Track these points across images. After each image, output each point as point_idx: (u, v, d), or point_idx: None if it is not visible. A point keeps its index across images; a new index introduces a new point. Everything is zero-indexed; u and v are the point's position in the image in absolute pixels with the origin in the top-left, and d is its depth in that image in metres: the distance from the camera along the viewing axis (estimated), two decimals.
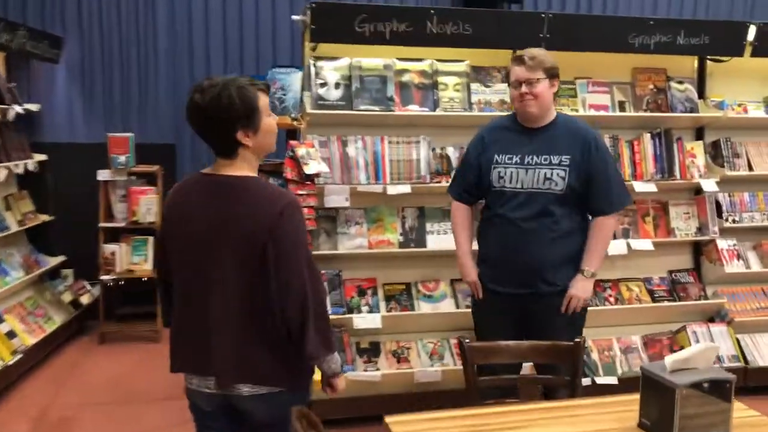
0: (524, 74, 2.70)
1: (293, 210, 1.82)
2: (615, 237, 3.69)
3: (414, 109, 3.70)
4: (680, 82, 4.14)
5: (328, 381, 2.02)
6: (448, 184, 3.73)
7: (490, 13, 3.55)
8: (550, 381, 2.56)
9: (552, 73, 2.74)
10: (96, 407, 3.89)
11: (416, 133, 3.74)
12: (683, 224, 4.12)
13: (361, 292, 3.77)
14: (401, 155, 3.70)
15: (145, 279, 4.86)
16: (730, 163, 4.11)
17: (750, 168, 4.15)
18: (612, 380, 3.76)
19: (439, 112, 3.72)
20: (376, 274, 3.84)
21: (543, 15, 3.59)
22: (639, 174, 3.93)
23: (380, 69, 3.69)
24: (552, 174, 2.74)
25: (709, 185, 3.98)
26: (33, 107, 4.96)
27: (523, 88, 2.70)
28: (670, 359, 1.82)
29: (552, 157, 2.76)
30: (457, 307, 3.81)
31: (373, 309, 3.71)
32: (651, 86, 4.10)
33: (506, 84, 3.83)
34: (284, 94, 3.62)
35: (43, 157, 5.03)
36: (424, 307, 3.79)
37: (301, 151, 3.36)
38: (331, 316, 3.52)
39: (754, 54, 3.90)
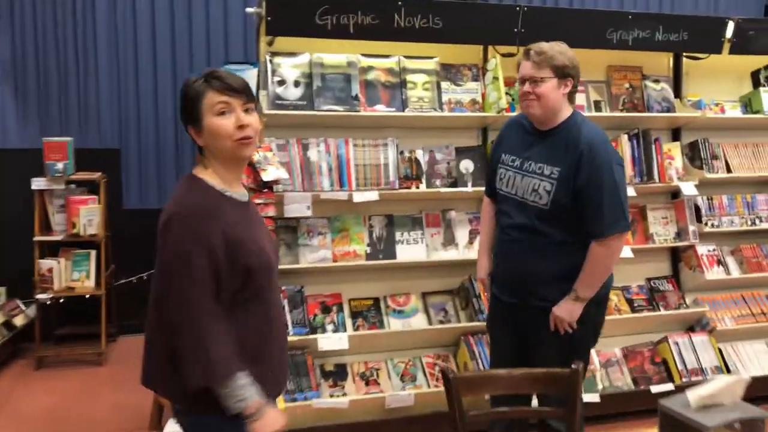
0: (528, 71, 2.42)
1: (172, 226, 1.64)
2: None
3: (381, 110, 3.41)
4: (656, 81, 3.96)
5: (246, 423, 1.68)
6: (417, 190, 3.50)
7: (462, 6, 3.29)
8: (546, 414, 2.29)
9: (563, 73, 2.41)
10: None
11: (383, 135, 3.45)
12: (662, 229, 3.94)
13: (325, 309, 3.47)
14: (368, 159, 3.41)
15: (88, 297, 4.45)
16: (709, 165, 3.95)
17: (728, 170, 3.99)
18: (594, 398, 3.53)
19: (408, 112, 3.44)
20: (341, 289, 3.54)
21: (518, 8, 3.35)
22: None
23: (344, 66, 3.40)
24: (539, 186, 2.48)
25: (688, 188, 3.80)
26: None
27: (526, 86, 2.42)
28: (693, 395, 1.57)
29: (545, 167, 2.48)
30: (430, 322, 3.54)
31: (339, 327, 3.41)
32: (627, 85, 3.92)
33: (477, 82, 3.65)
34: None
35: None
36: (394, 324, 3.51)
37: (257, 155, 3.04)
38: (294, 337, 3.22)
39: (732, 51, 3.75)
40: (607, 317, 3.67)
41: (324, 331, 3.35)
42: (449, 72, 3.62)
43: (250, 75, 3.29)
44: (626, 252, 3.70)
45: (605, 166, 2.40)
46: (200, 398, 1.65)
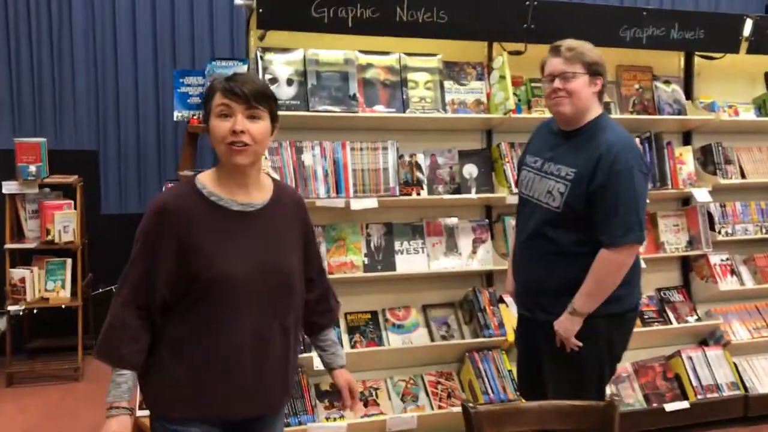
0: (559, 66, 2.29)
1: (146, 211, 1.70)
2: None
3: (381, 110, 3.17)
4: (667, 82, 3.77)
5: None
6: (418, 197, 3.27)
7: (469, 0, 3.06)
8: None
9: (594, 70, 2.30)
10: None
11: (383, 138, 3.22)
12: (673, 238, 3.75)
13: None
14: (366, 164, 3.17)
15: (63, 308, 4.17)
16: (722, 170, 3.75)
17: (743, 175, 3.80)
18: None
19: (409, 113, 3.20)
20: None
21: (527, 2, 3.12)
22: None
23: (340, 63, 3.16)
24: (554, 188, 2.33)
25: (701, 195, 3.61)
26: None
27: (557, 83, 2.29)
28: None
29: (563, 168, 2.33)
30: (432, 338, 3.31)
31: None
32: (637, 86, 3.72)
33: (482, 82, 3.42)
34: None
35: None
36: (393, 340, 3.27)
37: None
38: None
39: (750, 51, 3.56)
40: None
41: None
42: (452, 70, 3.40)
43: (240, 72, 3.04)
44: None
45: (625, 171, 2.23)
46: (149, 403, 1.72)
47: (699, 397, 3.49)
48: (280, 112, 2.98)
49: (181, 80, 3.12)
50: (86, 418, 3.71)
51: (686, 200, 3.84)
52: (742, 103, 3.90)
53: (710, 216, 3.76)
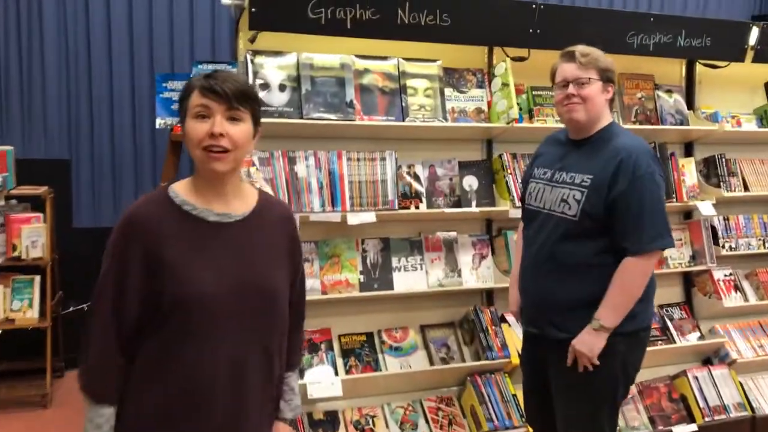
0: (574, 72, 2.23)
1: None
2: None
3: (380, 119, 2.98)
4: (669, 91, 3.65)
5: None
6: (417, 210, 3.09)
7: (473, 2, 2.89)
8: None
9: (607, 76, 2.26)
10: None
11: (380, 148, 3.03)
12: (676, 252, 3.62)
13: (313, 348, 3.01)
14: (363, 175, 2.98)
15: (30, 329, 3.88)
16: (726, 183, 3.64)
17: (745, 188, 3.70)
18: None
19: (408, 122, 3.02)
20: (330, 323, 3.09)
21: (534, 5, 2.97)
22: None
23: (336, 68, 2.96)
24: (568, 195, 2.25)
25: (706, 208, 3.49)
26: None
27: (571, 89, 2.23)
28: None
29: (577, 175, 2.26)
30: (431, 361, 3.12)
31: (328, 366, 2.96)
32: (639, 95, 3.59)
33: (482, 89, 3.26)
34: None
35: None
36: (391, 364, 3.07)
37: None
38: None
39: (756, 59, 3.46)
40: None
41: (313, 374, 2.89)
42: (452, 77, 3.22)
43: None
44: None
45: (648, 176, 2.18)
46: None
47: (707, 419, 3.36)
48: (272, 120, 2.83)
49: (164, 85, 2.89)
50: None
51: (688, 213, 3.72)
52: (744, 114, 3.80)
53: (714, 230, 3.65)
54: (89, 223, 4.43)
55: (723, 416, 3.39)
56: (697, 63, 3.64)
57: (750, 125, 3.75)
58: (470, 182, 3.26)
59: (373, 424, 2.99)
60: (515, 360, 3.06)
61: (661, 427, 3.34)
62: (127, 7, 4.14)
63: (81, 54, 4.19)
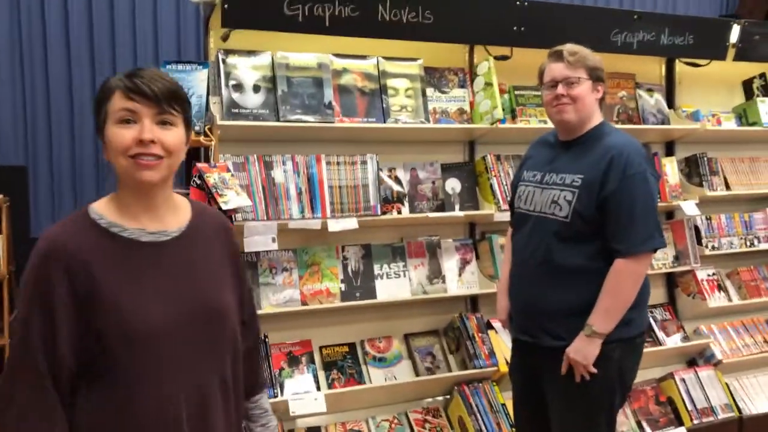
0: (563, 72, 2.17)
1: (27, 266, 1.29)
2: None
3: (360, 121, 2.85)
4: (650, 90, 3.60)
5: None
6: (399, 216, 2.97)
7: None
8: None
9: (596, 75, 2.21)
10: None
11: (361, 151, 2.89)
12: (660, 253, 3.55)
13: (293, 361, 2.87)
14: (344, 179, 2.84)
15: None
16: (708, 182, 3.61)
17: (727, 187, 3.67)
18: None
19: (390, 123, 2.89)
20: (310, 335, 2.95)
21: (518, 2, 2.87)
22: None
23: (313, 68, 2.81)
24: (559, 196, 2.17)
25: (689, 208, 3.44)
26: None
27: (560, 89, 2.17)
28: None
29: (567, 176, 2.19)
30: (416, 371, 3.00)
31: (310, 380, 2.82)
32: (621, 94, 3.53)
33: (464, 89, 3.16)
34: None
35: None
36: (375, 376, 2.95)
37: (212, 177, 2.42)
38: None
39: (737, 57, 3.42)
40: None
41: (295, 390, 2.74)
42: (432, 77, 3.11)
43: (199, 77, 2.66)
44: None
45: (639, 175, 2.11)
46: None
47: (695, 421, 3.31)
48: (246, 123, 2.67)
49: None
50: None
51: (670, 213, 3.68)
52: (723, 112, 3.77)
53: (697, 230, 3.61)
54: None
55: (711, 418, 3.34)
56: (677, 62, 3.59)
57: (729, 124, 3.72)
58: (453, 185, 3.15)
59: None
60: (503, 368, 2.96)
61: (649, 431, 3.28)
62: (86, 6, 3.91)
63: (36, 54, 3.94)
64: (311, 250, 2.92)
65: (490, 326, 3.12)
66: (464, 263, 3.15)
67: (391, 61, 2.98)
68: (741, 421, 3.40)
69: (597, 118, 2.24)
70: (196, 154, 2.84)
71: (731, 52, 3.43)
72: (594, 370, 2.10)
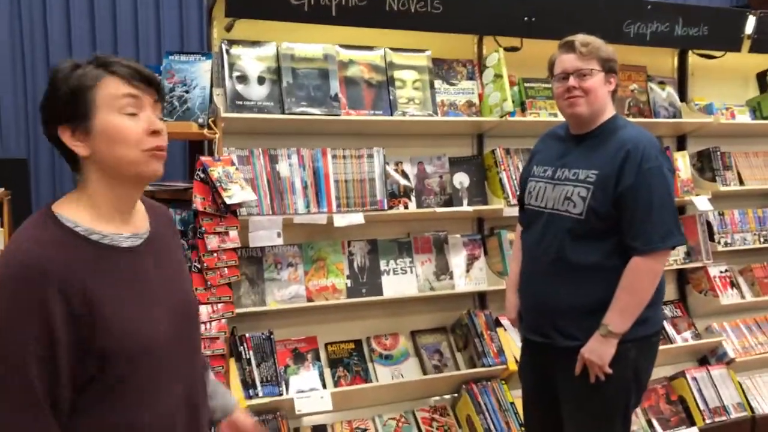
0: (574, 63, 2.09)
1: None
2: None
3: (367, 113, 2.78)
4: (661, 83, 3.52)
5: None
6: (406, 211, 2.91)
7: None
8: None
9: (609, 67, 2.12)
10: None
11: (367, 144, 2.83)
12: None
13: (299, 357, 2.81)
14: (350, 173, 2.78)
15: None
16: (722, 177, 3.53)
17: (741, 182, 3.59)
18: None
19: (398, 116, 2.83)
20: (316, 331, 2.90)
21: None
22: None
23: (319, 59, 2.75)
24: (573, 192, 2.10)
25: (702, 203, 3.37)
26: None
27: (571, 81, 2.09)
28: None
29: (581, 171, 2.12)
30: (423, 369, 2.95)
31: (315, 378, 2.77)
32: (632, 87, 3.45)
33: (473, 81, 3.09)
34: (186, 91, 2.57)
35: None
36: (381, 374, 2.89)
37: (216, 171, 2.36)
38: (265, 399, 2.56)
39: (752, 49, 3.34)
40: None
41: (300, 387, 2.69)
42: (440, 68, 3.04)
43: (202, 68, 2.60)
44: None
45: (656, 170, 2.04)
46: None
47: (707, 421, 3.25)
48: (251, 115, 2.61)
49: None
50: None
51: (681, 209, 3.61)
52: (737, 106, 3.69)
53: (709, 225, 3.54)
54: None
55: (723, 417, 3.28)
56: (690, 54, 3.52)
57: (743, 117, 3.65)
58: (461, 179, 3.08)
59: None
60: (512, 366, 2.91)
61: (660, 431, 3.22)
62: None
63: (38, 45, 3.89)
64: (317, 245, 2.86)
65: (498, 323, 3.06)
66: (472, 259, 3.09)
67: (399, 53, 2.91)
68: (754, 421, 3.34)
69: (609, 111, 2.17)
70: (199, 147, 2.79)
71: (746, 44, 3.36)
72: (609, 371, 2.04)
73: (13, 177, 3.90)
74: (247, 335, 2.68)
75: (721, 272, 3.58)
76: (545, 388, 2.23)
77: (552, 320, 2.15)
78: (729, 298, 3.52)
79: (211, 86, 2.61)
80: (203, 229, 2.33)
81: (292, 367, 2.77)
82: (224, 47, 2.63)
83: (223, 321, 2.41)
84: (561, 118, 2.31)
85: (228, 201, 2.29)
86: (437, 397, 3.03)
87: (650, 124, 3.36)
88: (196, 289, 2.35)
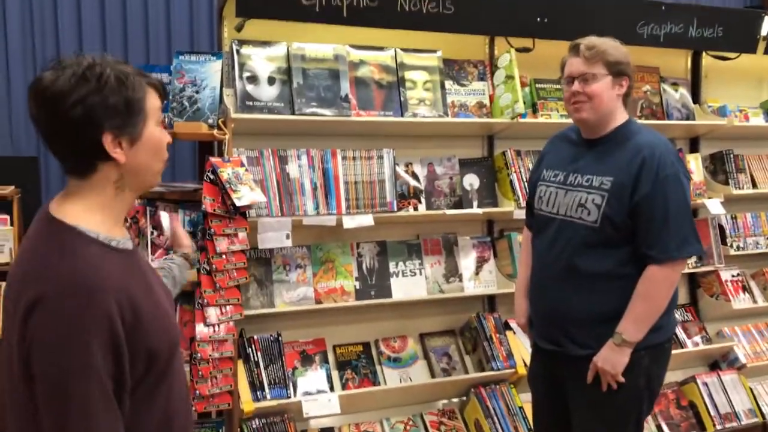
0: (579, 67, 2.05)
1: (53, 309, 1.07)
2: None
3: (377, 114, 2.77)
4: (674, 84, 3.49)
5: None
6: (415, 212, 2.89)
7: None
8: None
9: (618, 70, 2.05)
10: None
11: (377, 145, 2.81)
12: None
13: (306, 360, 2.80)
14: (359, 175, 2.76)
15: None
16: (735, 180, 3.50)
17: (754, 185, 3.56)
18: None
19: (408, 117, 2.81)
20: (324, 333, 2.89)
21: None
22: None
23: (330, 59, 2.73)
24: (587, 200, 2.05)
25: (714, 206, 3.34)
26: None
27: (575, 85, 2.04)
28: None
29: (594, 177, 2.07)
30: (432, 371, 2.93)
31: (322, 379, 2.76)
32: (645, 88, 3.42)
33: (483, 82, 3.07)
34: (196, 92, 2.56)
35: None
36: (390, 376, 2.88)
37: (226, 172, 2.34)
38: (272, 402, 2.55)
39: (767, 51, 3.30)
40: None
41: (307, 389, 2.68)
42: (451, 69, 3.02)
43: (213, 68, 2.58)
44: None
45: (672, 177, 1.99)
46: None
47: (718, 427, 3.22)
48: (261, 116, 2.59)
49: None
50: None
51: (693, 212, 3.57)
52: (751, 108, 3.65)
53: (722, 229, 3.50)
54: None
55: (734, 423, 3.26)
56: (703, 55, 3.48)
57: (757, 119, 3.60)
58: (471, 181, 3.06)
59: None
60: (521, 370, 2.89)
61: None
62: None
63: (48, 43, 3.88)
64: (325, 247, 2.85)
65: (507, 327, 3.04)
66: (482, 261, 3.07)
67: (409, 53, 2.89)
68: (765, 427, 3.32)
69: (621, 116, 2.12)
70: (209, 148, 2.78)
71: (762, 46, 3.32)
72: (622, 380, 2.01)
73: (23, 175, 3.90)
74: (255, 337, 2.67)
75: (733, 276, 3.54)
76: (556, 395, 2.20)
77: (564, 328, 2.11)
78: (741, 302, 3.48)
79: (221, 86, 2.59)
80: (212, 230, 2.32)
81: (299, 369, 2.76)
82: (234, 47, 2.62)
83: (232, 323, 2.39)
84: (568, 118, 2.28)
85: (237, 203, 2.28)
86: (445, 401, 3.01)
87: (663, 126, 3.33)
88: (205, 291, 2.34)
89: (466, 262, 3.05)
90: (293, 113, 2.63)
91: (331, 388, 2.73)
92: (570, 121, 2.56)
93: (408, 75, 2.87)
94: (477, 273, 3.06)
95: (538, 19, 2.78)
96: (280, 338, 2.71)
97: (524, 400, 2.83)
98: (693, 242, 2.02)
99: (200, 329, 2.33)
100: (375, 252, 2.93)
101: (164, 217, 2.46)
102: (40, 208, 1.29)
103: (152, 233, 2.51)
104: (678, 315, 3.48)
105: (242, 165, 2.44)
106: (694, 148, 3.59)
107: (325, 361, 2.82)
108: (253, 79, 2.63)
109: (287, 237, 2.58)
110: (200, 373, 2.34)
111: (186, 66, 2.56)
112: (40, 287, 1.08)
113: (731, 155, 3.52)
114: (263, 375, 2.61)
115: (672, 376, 3.39)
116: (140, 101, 1.19)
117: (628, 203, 1.99)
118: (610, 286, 2.04)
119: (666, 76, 3.48)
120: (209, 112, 2.53)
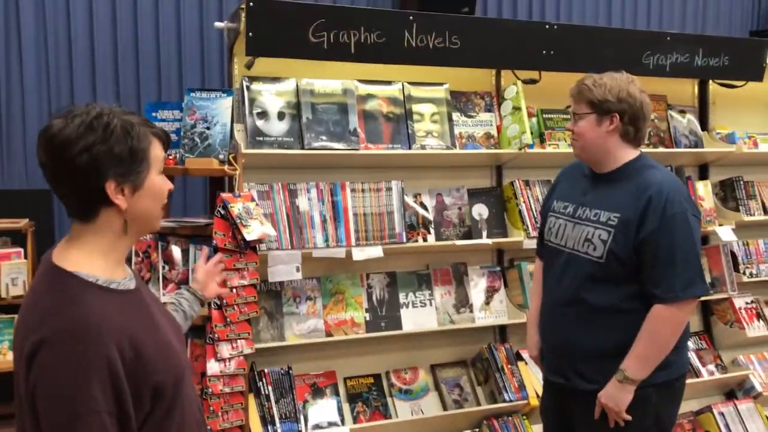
0: (572, 106, 2.12)
1: (53, 352, 1.12)
2: None
3: (385, 147, 2.79)
4: (682, 112, 3.50)
5: None
6: (425, 243, 2.90)
7: (483, 23, 2.73)
8: None
9: (603, 108, 2.03)
10: None
11: (386, 177, 2.84)
12: None
13: (317, 392, 2.80)
14: (368, 207, 2.78)
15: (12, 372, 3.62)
16: (745, 206, 3.49)
17: (765, 211, 3.54)
18: None
19: (416, 149, 2.83)
20: (335, 366, 2.88)
21: (547, 26, 2.81)
22: None
23: (338, 94, 2.77)
24: (593, 234, 2.05)
25: (726, 233, 3.33)
26: None
27: (568, 124, 2.16)
28: None
29: (602, 213, 2.06)
30: (443, 404, 2.92)
31: (333, 412, 2.75)
32: (652, 116, 3.42)
33: (491, 113, 3.10)
34: (207, 128, 2.60)
35: None
36: (401, 409, 2.87)
37: (236, 207, 2.37)
38: None
39: None
40: None
41: (318, 424, 2.67)
42: (458, 101, 3.05)
43: (223, 105, 2.63)
44: None
45: (680, 216, 1.97)
46: None
47: None
48: (270, 151, 2.63)
49: (153, 114, 2.69)
50: None
51: (705, 239, 3.56)
52: (760, 134, 3.65)
53: (734, 256, 3.49)
54: None
55: None
56: (711, 82, 3.50)
57: (766, 146, 3.60)
58: (480, 211, 3.08)
59: None
60: (534, 401, 2.87)
61: None
62: (110, 32, 3.91)
63: (63, 80, 3.96)
64: (335, 279, 2.86)
65: (519, 357, 3.02)
66: (492, 291, 3.07)
67: (417, 86, 2.93)
68: None
69: (626, 152, 2.08)
70: (219, 183, 2.81)
71: None
72: (628, 417, 1.99)
73: (36, 208, 3.96)
74: (266, 370, 2.68)
75: (747, 303, 3.51)
76: (566, 428, 2.18)
77: (571, 362, 2.10)
78: (755, 330, 3.45)
79: (232, 122, 2.63)
80: (223, 265, 2.34)
81: (310, 402, 2.76)
82: (245, 83, 2.66)
83: (242, 357, 2.40)
84: None
85: (248, 237, 2.30)
86: None
87: (671, 154, 3.35)
88: (216, 325, 2.35)
89: (477, 292, 3.05)
90: (303, 147, 2.66)
91: (342, 421, 2.72)
92: None
93: (416, 108, 2.91)
94: (487, 303, 3.06)
95: (544, 52, 2.81)
96: (290, 371, 2.71)
97: (537, 431, 2.81)
98: (699, 283, 1.99)
99: (211, 365, 2.34)
100: (385, 283, 2.94)
101: (200, 255, 2.42)
102: (47, 250, 1.32)
103: (164, 267, 2.54)
104: (692, 343, 3.45)
105: (253, 200, 2.47)
106: (703, 174, 3.59)
107: (336, 393, 2.81)
108: (263, 114, 2.67)
109: (297, 270, 2.59)
110: (211, 408, 2.35)
111: (197, 103, 2.61)
112: (42, 332, 1.13)
113: (741, 182, 3.51)
114: (274, 409, 2.61)
115: (687, 406, 3.35)
116: (144, 151, 1.24)
117: (633, 239, 1.97)
118: (617, 320, 2.02)
119: (673, 104, 3.49)
120: (220, 147, 2.57)
